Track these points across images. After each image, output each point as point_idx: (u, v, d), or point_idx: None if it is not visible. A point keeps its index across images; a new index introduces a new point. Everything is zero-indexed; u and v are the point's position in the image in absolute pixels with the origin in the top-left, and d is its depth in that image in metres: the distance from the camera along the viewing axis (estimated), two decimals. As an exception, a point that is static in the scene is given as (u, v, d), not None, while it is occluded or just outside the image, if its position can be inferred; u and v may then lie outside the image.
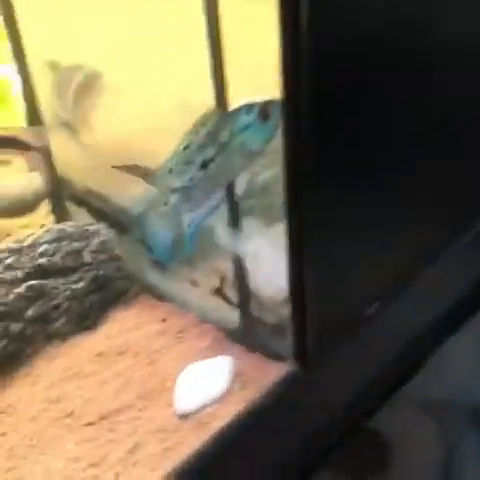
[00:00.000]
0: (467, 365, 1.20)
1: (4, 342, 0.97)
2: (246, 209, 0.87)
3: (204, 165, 0.80)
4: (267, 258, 0.85)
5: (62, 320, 1.02)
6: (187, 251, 0.84)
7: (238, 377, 0.92)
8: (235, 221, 0.87)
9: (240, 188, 0.83)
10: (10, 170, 1.31)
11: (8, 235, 1.26)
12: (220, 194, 0.82)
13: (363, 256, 0.85)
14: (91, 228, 1.10)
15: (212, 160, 0.80)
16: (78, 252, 1.07)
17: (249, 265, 0.89)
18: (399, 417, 1.10)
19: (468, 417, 1.12)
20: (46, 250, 1.05)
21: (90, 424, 0.88)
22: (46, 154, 1.17)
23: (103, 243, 1.08)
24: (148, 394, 0.92)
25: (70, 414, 0.90)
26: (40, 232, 1.08)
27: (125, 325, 1.04)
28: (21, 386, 0.96)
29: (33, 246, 1.05)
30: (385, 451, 1.05)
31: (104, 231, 1.10)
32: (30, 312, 1.00)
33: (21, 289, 1.00)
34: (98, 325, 1.05)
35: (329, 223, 0.75)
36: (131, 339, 1.01)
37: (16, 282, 1.01)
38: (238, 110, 0.80)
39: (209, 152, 0.79)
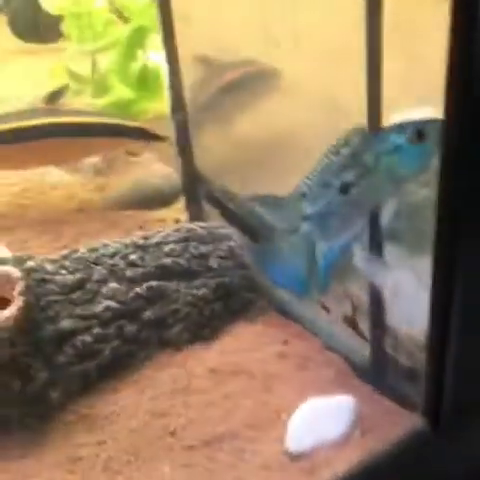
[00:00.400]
0: None
1: (117, 343, 0.92)
2: (391, 233, 0.75)
3: (344, 189, 0.69)
4: (409, 292, 0.73)
5: (179, 327, 0.96)
6: (321, 285, 0.74)
7: (360, 421, 0.81)
8: (377, 245, 0.76)
9: (386, 216, 0.71)
10: (141, 161, 1.27)
11: (141, 227, 1.22)
12: (362, 222, 0.70)
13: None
14: (222, 231, 1.03)
15: (354, 184, 0.68)
16: (205, 256, 0.99)
17: (388, 296, 0.77)
18: None
19: None
20: (172, 250, 0.98)
21: (191, 448, 0.81)
22: (180, 147, 1.12)
23: (232, 249, 1.01)
24: (258, 424, 0.83)
25: (172, 433, 0.83)
26: (169, 230, 1.02)
27: (244, 342, 0.96)
28: (128, 393, 0.90)
29: (160, 244, 0.99)
30: None
31: (235, 236, 1.02)
32: (147, 314, 0.94)
33: (141, 289, 0.94)
34: (215, 337, 0.97)
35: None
36: (248, 359, 0.93)
37: (137, 280, 0.95)
38: (388, 129, 0.69)
39: (350, 175, 0.68)
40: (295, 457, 0.79)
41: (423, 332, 0.68)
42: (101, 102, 1.38)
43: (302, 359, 0.91)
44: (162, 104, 1.33)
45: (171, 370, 0.92)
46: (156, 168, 1.26)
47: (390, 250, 0.75)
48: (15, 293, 0.85)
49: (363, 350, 0.86)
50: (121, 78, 1.40)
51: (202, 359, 0.94)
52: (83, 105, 1.45)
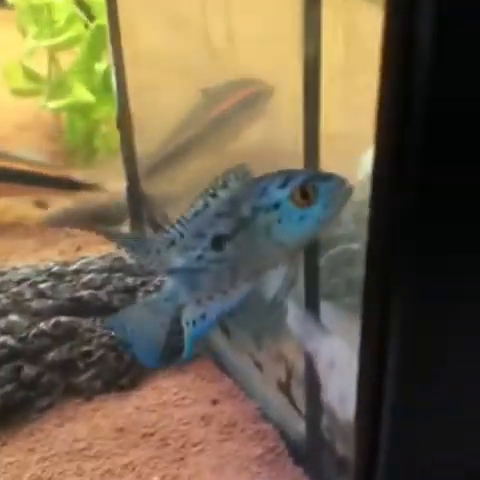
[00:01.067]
0: None
1: (11, 387, 0.77)
2: (330, 292, 0.60)
3: (217, 243, 0.53)
4: (345, 367, 0.58)
5: (91, 373, 0.81)
6: (184, 356, 0.58)
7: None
8: (313, 306, 0.60)
9: (272, 288, 0.55)
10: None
11: (79, 248, 1.08)
12: (245, 288, 0.54)
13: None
14: (155, 263, 0.87)
15: (228, 239, 0.53)
16: (131, 290, 0.85)
17: (321, 370, 0.62)
18: None
19: None
20: (92, 280, 0.84)
21: None
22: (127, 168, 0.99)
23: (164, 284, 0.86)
24: (160, 506, 0.68)
25: (53, 508, 0.68)
26: (92, 257, 0.87)
27: (167, 396, 0.81)
28: (16, 449, 0.75)
29: (79, 273, 0.85)
30: None
31: (171, 269, 0.87)
32: (52, 355, 0.79)
33: (46, 324, 0.80)
34: (134, 388, 0.82)
35: (426, 345, 0.46)
36: (166, 418, 0.78)
37: (43, 314, 0.81)
38: (269, 178, 0.52)
39: (224, 226, 0.53)
40: None
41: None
42: (55, 104, 1.24)
43: (229, 427, 0.76)
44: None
45: (73, 425, 0.77)
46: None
47: (327, 311, 0.60)
48: None
49: (299, 425, 0.70)
50: (83, 80, 1.26)
51: (112, 414, 0.78)
52: (37, 107, 1.31)
